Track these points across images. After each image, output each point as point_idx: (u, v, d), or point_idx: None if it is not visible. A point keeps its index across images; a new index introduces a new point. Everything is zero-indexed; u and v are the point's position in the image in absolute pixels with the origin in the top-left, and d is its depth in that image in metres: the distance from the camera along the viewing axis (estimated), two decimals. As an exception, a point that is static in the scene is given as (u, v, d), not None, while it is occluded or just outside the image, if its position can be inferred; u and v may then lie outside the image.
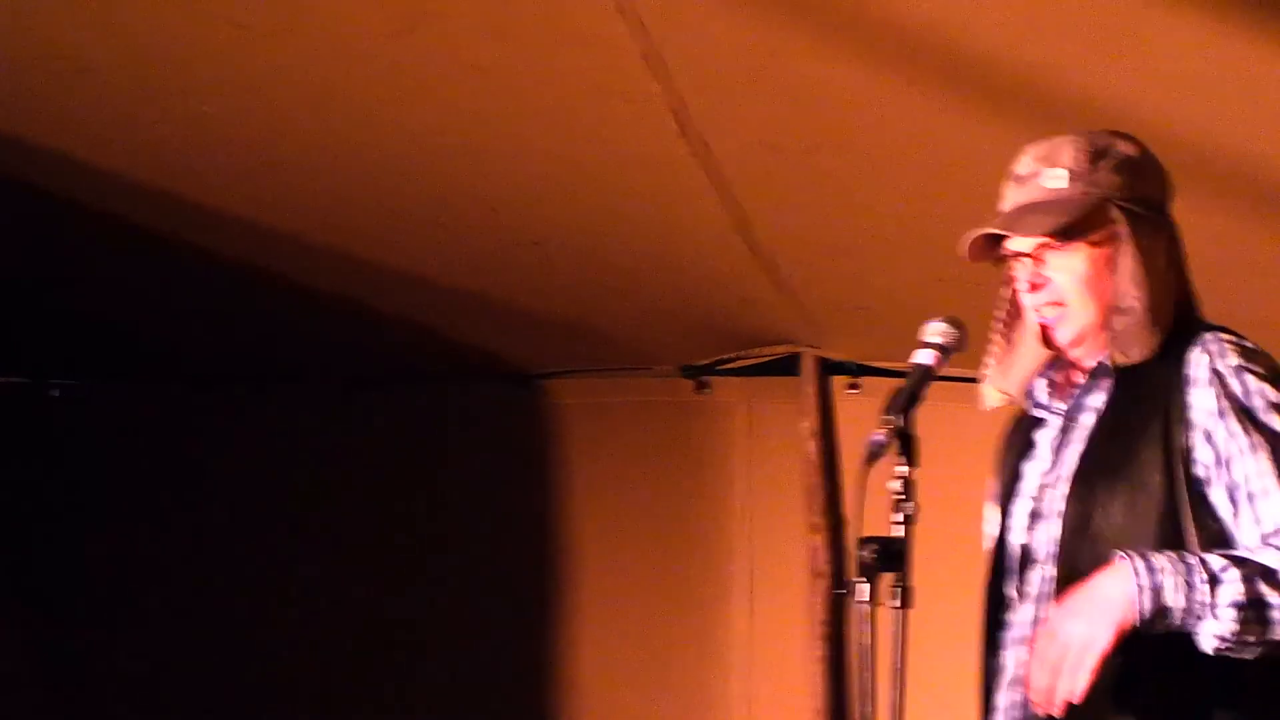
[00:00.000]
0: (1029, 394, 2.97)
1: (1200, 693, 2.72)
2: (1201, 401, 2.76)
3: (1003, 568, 2.94)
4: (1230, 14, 3.30)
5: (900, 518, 2.76)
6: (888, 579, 2.75)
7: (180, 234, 4.98)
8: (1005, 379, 2.97)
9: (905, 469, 2.76)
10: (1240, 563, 2.64)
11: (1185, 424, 2.75)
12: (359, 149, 4.43)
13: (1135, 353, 2.82)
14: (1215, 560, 2.64)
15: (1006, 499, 2.98)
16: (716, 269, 5.08)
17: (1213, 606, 2.63)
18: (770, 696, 5.98)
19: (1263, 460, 2.71)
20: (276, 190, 4.70)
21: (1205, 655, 2.67)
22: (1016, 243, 2.87)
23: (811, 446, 5.84)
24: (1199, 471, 2.74)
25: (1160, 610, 2.64)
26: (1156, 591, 2.64)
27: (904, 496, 2.76)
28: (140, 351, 6.10)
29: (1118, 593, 2.65)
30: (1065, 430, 2.90)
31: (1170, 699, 2.74)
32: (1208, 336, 2.79)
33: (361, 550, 6.28)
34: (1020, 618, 2.88)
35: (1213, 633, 2.64)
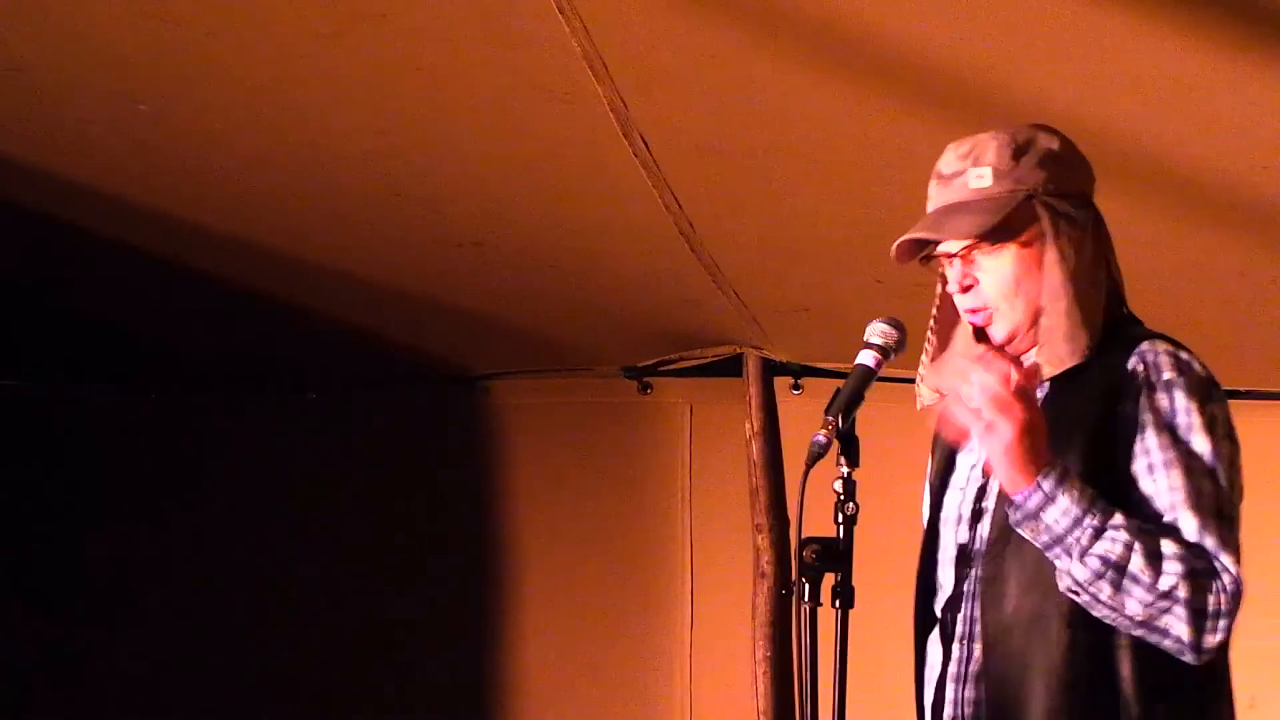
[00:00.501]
0: None
1: (1138, 694, 2.73)
2: (1129, 413, 2.75)
3: (934, 558, 2.95)
4: (1169, 17, 3.31)
5: (842, 518, 2.76)
6: (830, 579, 2.75)
7: (117, 235, 4.94)
8: (938, 377, 2.97)
9: (847, 470, 2.77)
10: (1136, 533, 2.65)
11: (1113, 434, 2.75)
12: (298, 150, 4.41)
13: (1063, 360, 2.81)
14: (1116, 519, 2.66)
15: (940, 488, 2.99)
16: (659, 270, 5.07)
17: (1083, 551, 2.65)
18: (714, 696, 5.99)
19: (1175, 477, 2.71)
20: (214, 191, 4.67)
21: (1146, 659, 2.69)
22: (944, 245, 2.87)
23: (754, 447, 5.85)
24: (1120, 481, 2.74)
25: (1035, 518, 2.67)
26: (1047, 502, 2.66)
27: (845, 497, 2.77)
28: (92, 352, 6.07)
29: (1020, 469, 2.68)
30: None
31: (1106, 700, 2.74)
32: (1144, 346, 2.78)
33: (306, 552, 6.26)
34: (956, 614, 2.88)
35: (1068, 571, 2.66)
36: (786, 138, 4.13)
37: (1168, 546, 2.65)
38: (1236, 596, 2.66)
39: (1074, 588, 2.67)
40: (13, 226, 4.89)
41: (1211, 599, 2.64)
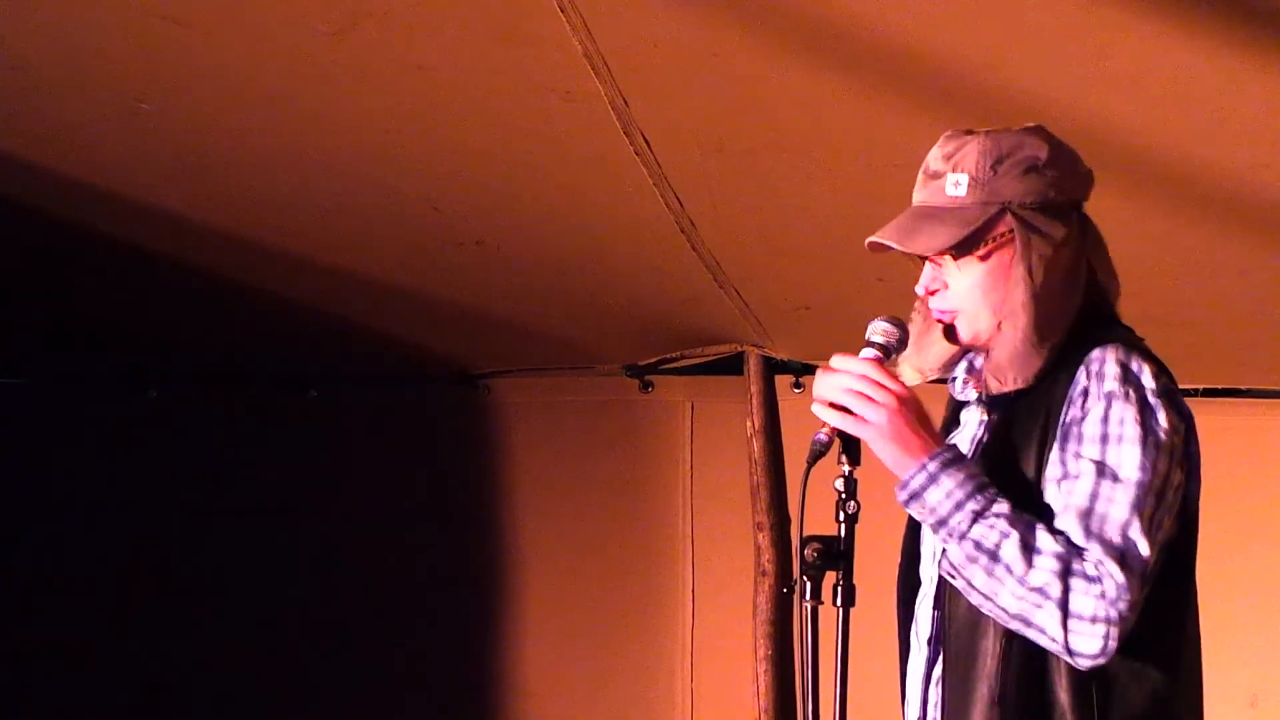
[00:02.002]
0: (951, 379, 2.97)
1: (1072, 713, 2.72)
2: (1065, 419, 2.72)
3: (915, 554, 2.96)
4: (1168, 15, 3.31)
5: (843, 516, 2.76)
6: (831, 577, 2.75)
7: (117, 232, 4.95)
8: (919, 356, 2.95)
9: (848, 468, 2.77)
10: (1018, 524, 2.63)
11: (1050, 441, 2.73)
12: (298, 148, 4.41)
13: (1005, 382, 2.79)
14: (1000, 507, 2.64)
15: None
16: (660, 269, 5.08)
17: (961, 534, 2.65)
18: (715, 694, 6.00)
19: (1082, 485, 2.66)
20: (215, 189, 4.67)
21: (1085, 675, 2.68)
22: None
23: (755, 445, 5.85)
24: (1044, 484, 2.73)
25: (918, 498, 2.68)
26: (930, 482, 2.67)
27: (847, 495, 2.77)
28: (91, 350, 6.08)
29: (904, 450, 2.69)
30: (976, 425, 2.90)
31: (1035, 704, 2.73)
32: (1095, 355, 2.72)
33: (306, 549, 6.27)
34: (928, 612, 2.89)
35: (947, 553, 2.67)
36: (788, 136, 4.13)
37: (1047, 543, 2.62)
38: (1117, 605, 2.58)
39: (950, 570, 2.67)
40: (12, 224, 4.89)
41: (1087, 603, 2.58)
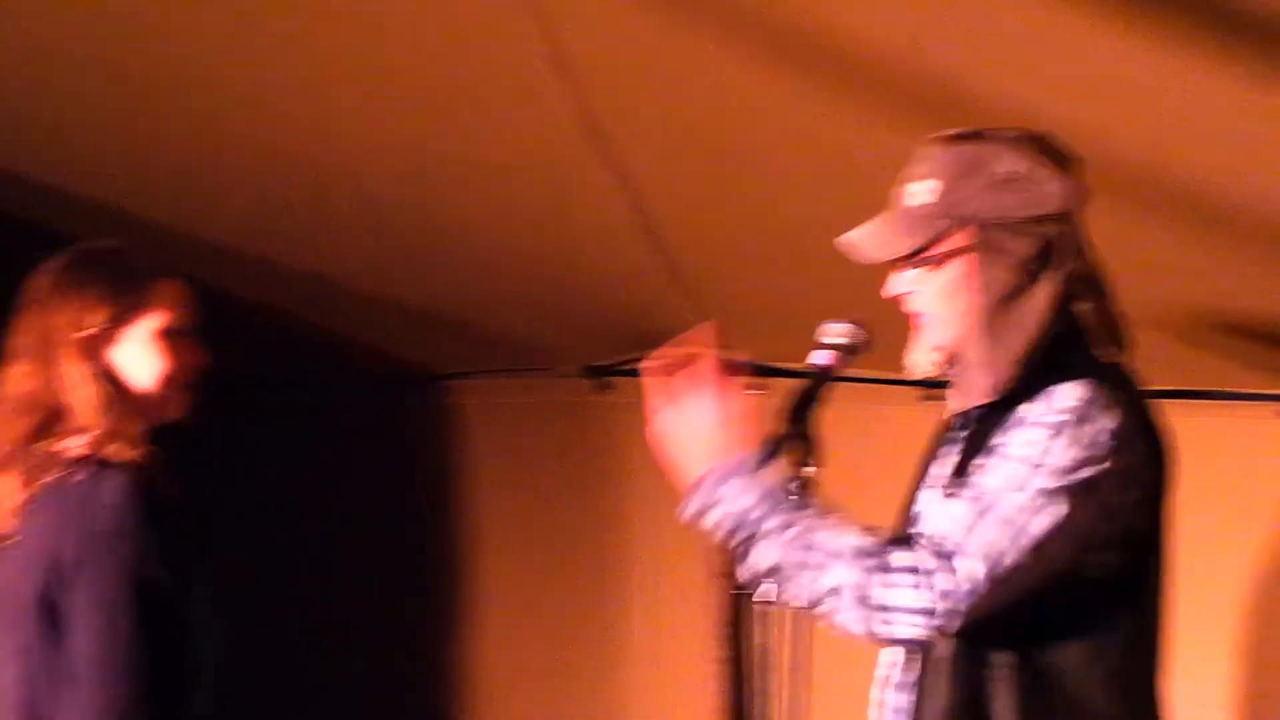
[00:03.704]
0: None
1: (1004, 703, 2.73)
2: (999, 437, 2.72)
3: None
4: (1132, 19, 3.33)
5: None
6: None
7: (81, 233, 4.92)
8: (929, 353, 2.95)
9: (805, 469, 2.78)
10: (793, 539, 2.65)
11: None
12: (257, 147, 4.41)
13: (970, 397, 2.80)
14: (774, 520, 2.66)
15: (914, 487, 3.00)
16: (621, 270, 5.08)
17: (743, 555, 2.69)
18: (670, 697, 6.00)
19: (962, 498, 2.67)
20: (174, 189, 4.67)
21: (1029, 690, 2.69)
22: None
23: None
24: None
25: (697, 519, 2.72)
26: (705, 507, 2.71)
27: (804, 494, 2.78)
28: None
29: (689, 466, 2.73)
30: (957, 438, 2.91)
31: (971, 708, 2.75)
32: (1062, 387, 2.70)
33: (261, 548, 6.25)
34: None
35: (741, 571, 2.71)
36: (752, 139, 4.14)
37: (839, 541, 2.63)
38: (950, 599, 2.58)
39: (748, 581, 2.71)
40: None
41: (901, 594, 2.59)
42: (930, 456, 2.98)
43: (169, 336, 3.25)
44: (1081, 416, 2.67)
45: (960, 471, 2.75)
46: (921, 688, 2.77)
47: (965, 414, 2.87)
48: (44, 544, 3.08)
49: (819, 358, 2.89)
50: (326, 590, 6.21)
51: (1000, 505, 2.62)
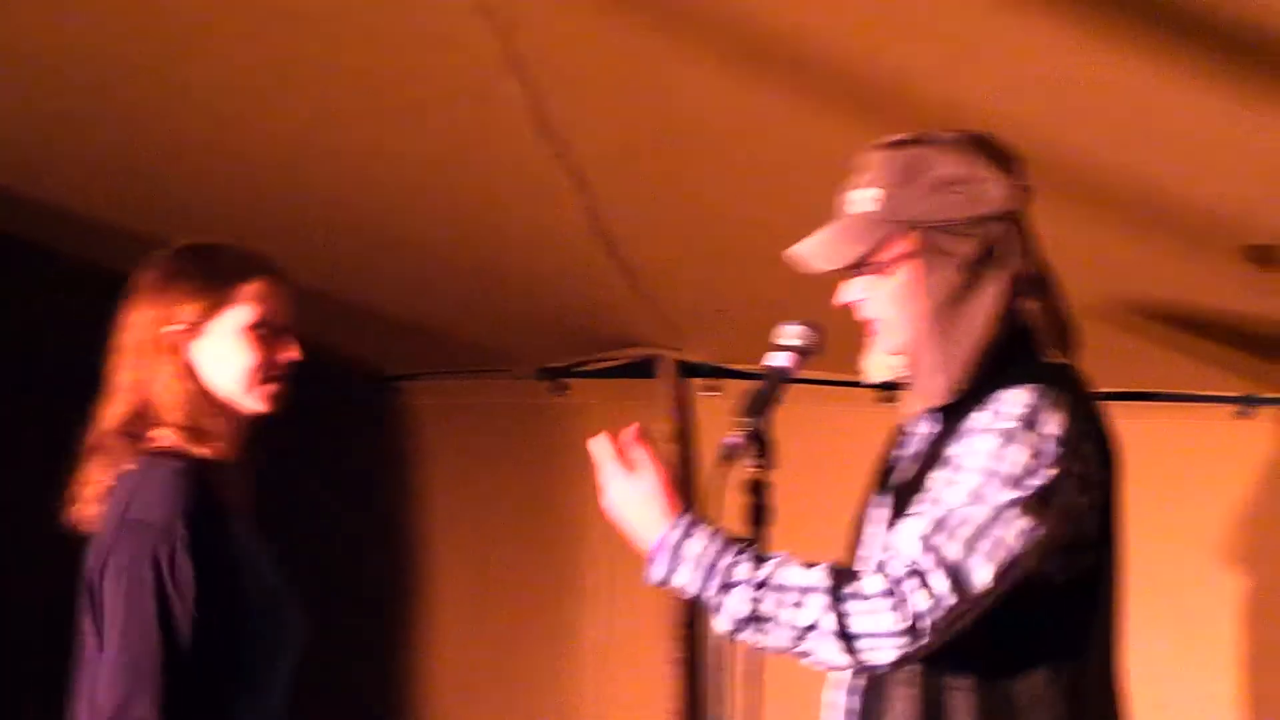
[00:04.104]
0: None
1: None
2: (955, 448, 2.71)
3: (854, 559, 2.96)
4: (1083, 19, 3.34)
5: (755, 519, 2.77)
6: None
7: (35, 235, 4.91)
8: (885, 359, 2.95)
9: (760, 471, 2.78)
10: (762, 584, 2.64)
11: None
12: (215, 150, 4.39)
13: (927, 397, 2.79)
14: (742, 569, 2.65)
15: (869, 493, 2.99)
16: (575, 271, 5.08)
17: (717, 607, 2.66)
18: (626, 697, 6.00)
19: (917, 514, 2.67)
20: (133, 191, 4.64)
21: (989, 705, 2.69)
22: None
23: (669, 449, 5.86)
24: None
25: (666, 583, 2.70)
26: (671, 569, 2.69)
27: (758, 499, 2.78)
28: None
29: (644, 536, 2.73)
30: (913, 444, 2.91)
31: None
32: (1008, 394, 2.70)
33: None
34: None
35: (719, 624, 2.67)
36: (705, 140, 4.14)
37: (806, 579, 2.63)
38: (929, 616, 2.58)
39: (727, 635, 2.68)
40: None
41: (875, 620, 2.59)
42: (884, 463, 2.98)
43: (257, 332, 3.24)
44: (1030, 422, 2.67)
45: (916, 482, 2.74)
46: (878, 694, 2.76)
47: (918, 419, 2.87)
48: (98, 530, 3.16)
49: (776, 359, 2.89)
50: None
51: (963, 519, 2.61)
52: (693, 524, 2.69)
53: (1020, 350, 2.79)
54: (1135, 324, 4.95)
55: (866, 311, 2.86)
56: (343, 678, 6.18)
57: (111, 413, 3.24)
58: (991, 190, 2.80)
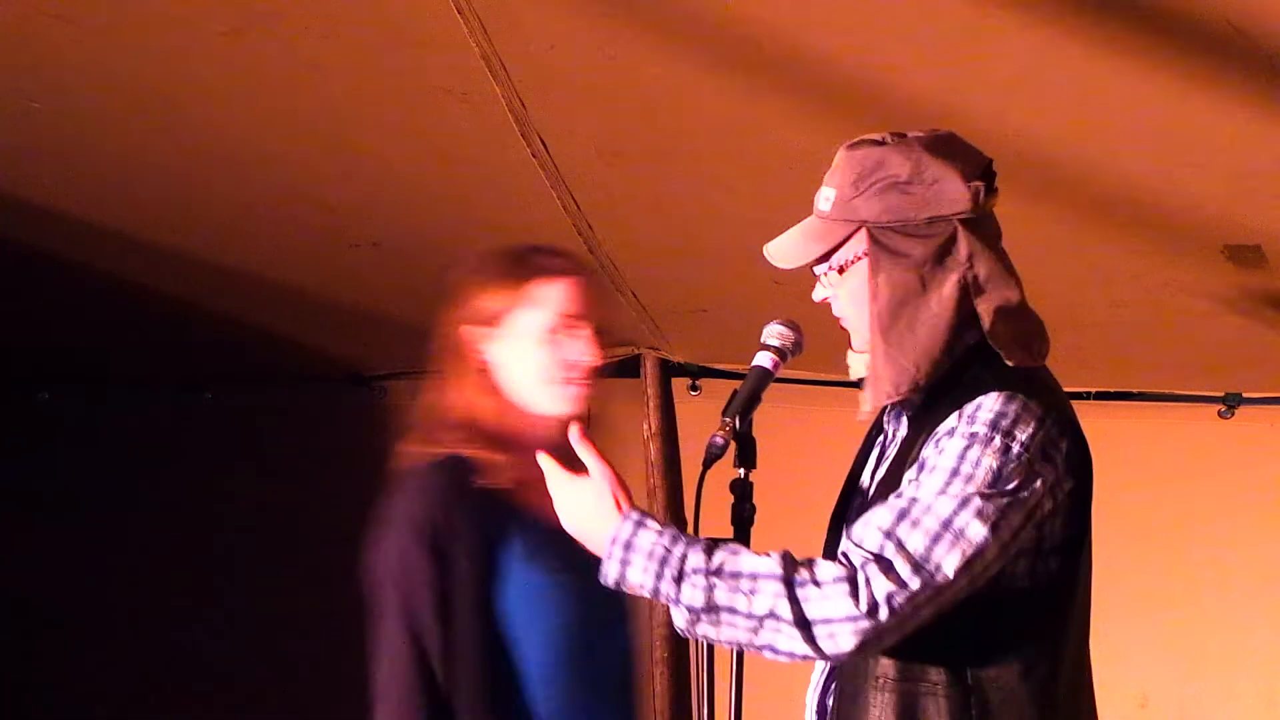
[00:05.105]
0: None
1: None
2: (922, 454, 2.70)
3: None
4: (1060, 18, 3.34)
5: (739, 520, 2.77)
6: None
7: (6, 233, 4.89)
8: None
9: (743, 471, 2.77)
10: (715, 567, 2.61)
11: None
12: (194, 148, 4.38)
13: (876, 396, 2.77)
14: (694, 559, 2.62)
15: (846, 486, 2.98)
16: (556, 271, 5.07)
17: (673, 600, 2.63)
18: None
19: (881, 507, 2.65)
20: (107, 189, 4.63)
21: (957, 706, 2.69)
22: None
23: (652, 448, 5.85)
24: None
25: (621, 581, 2.67)
26: (624, 565, 2.66)
27: (742, 497, 2.77)
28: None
29: (595, 536, 2.70)
30: (884, 440, 2.90)
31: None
32: (975, 402, 2.68)
33: (196, 551, 6.23)
34: None
35: (676, 619, 2.65)
36: (684, 140, 4.14)
37: (761, 566, 2.61)
38: (889, 603, 2.55)
39: (683, 631, 2.65)
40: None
41: (832, 605, 2.56)
42: (861, 460, 2.98)
43: (555, 333, 3.16)
44: (1001, 429, 2.66)
45: (888, 484, 2.74)
46: (852, 697, 2.75)
47: (890, 418, 2.87)
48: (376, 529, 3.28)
49: (761, 359, 2.88)
50: (258, 590, 6.18)
51: (930, 514, 2.61)
52: (641, 519, 2.68)
53: (980, 353, 2.78)
54: (1118, 324, 4.95)
55: (835, 310, 2.86)
56: (328, 675, 6.17)
57: (416, 412, 3.30)
58: (946, 191, 2.78)
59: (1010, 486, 2.64)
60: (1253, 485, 5.38)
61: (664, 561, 2.63)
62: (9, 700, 6.20)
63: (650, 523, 2.67)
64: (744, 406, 2.81)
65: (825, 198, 2.80)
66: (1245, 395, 5.45)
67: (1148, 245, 4.39)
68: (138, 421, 6.29)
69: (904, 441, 2.78)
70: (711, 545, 2.64)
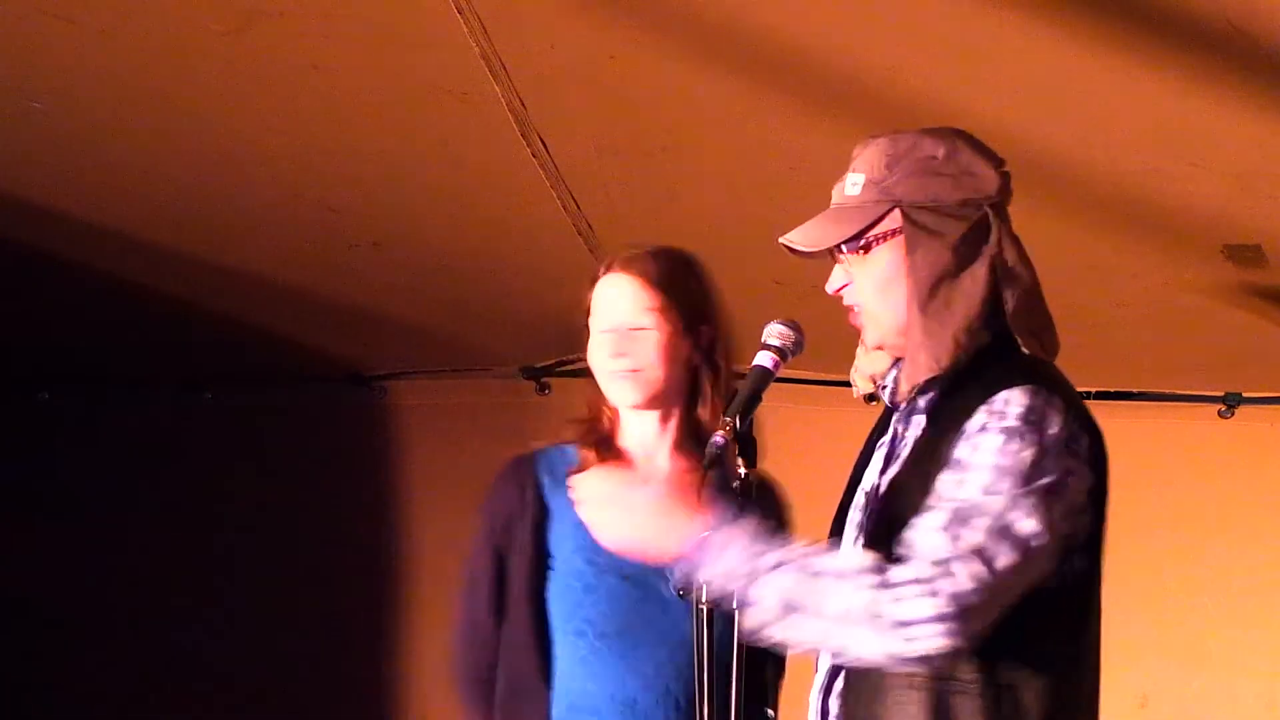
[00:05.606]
0: (882, 386, 2.96)
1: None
2: (957, 451, 2.67)
3: None
4: (1061, 19, 3.34)
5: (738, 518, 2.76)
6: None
7: (6, 233, 4.89)
8: (870, 364, 2.94)
9: (744, 470, 2.77)
10: (797, 572, 2.59)
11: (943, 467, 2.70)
12: (194, 148, 4.38)
13: (917, 372, 2.76)
14: (774, 556, 2.60)
15: (846, 495, 2.98)
16: (557, 270, 5.06)
17: (752, 599, 2.61)
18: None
19: (933, 508, 2.63)
20: (110, 189, 4.63)
21: (989, 705, 2.68)
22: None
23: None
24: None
25: (699, 578, 2.66)
26: (703, 562, 2.64)
27: (743, 497, 2.77)
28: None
29: (671, 535, 2.68)
30: (894, 440, 2.90)
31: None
32: (1001, 395, 2.67)
33: (197, 551, 6.23)
34: None
35: (749, 618, 2.63)
36: (684, 138, 4.14)
37: (840, 566, 2.60)
38: (958, 603, 2.54)
39: (750, 634, 2.64)
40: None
41: (913, 606, 2.54)
42: (863, 462, 2.97)
43: (603, 333, 3.39)
44: (1032, 421, 2.67)
45: (908, 481, 2.73)
46: (871, 698, 2.74)
47: (899, 418, 2.86)
48: None
49: (762, 359, 2.88)
50: (259, 590, 6.18)
51: (979, 510, 2.61)
52: (722, 519, 2.67)
53: (995, 347, 2.79)
54: (1118, 324, 4.96)
55: (850, 297, 2.85)
56: (330, 674, 6.18)
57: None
58: (979, 173, 2.81)
59: (1051, 479, 2.64)
60: (1253, 485, 5.39)
61: (744, 560, 2.62)
62: (9, 700, 6.20)
63: (730, 520, 2.66)
64: (744, 406, 2.81)
65: (853, 183, 2.81)
66: (1245, 395, 5.45)
67: (1148, 245, 4.40)
68: (138, 421, 6.30)
69: (923, 441, 2.77)
70: (793, 544, 2.63)
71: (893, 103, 3.64)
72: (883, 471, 2.85)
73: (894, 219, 2.79)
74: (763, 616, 2.61)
